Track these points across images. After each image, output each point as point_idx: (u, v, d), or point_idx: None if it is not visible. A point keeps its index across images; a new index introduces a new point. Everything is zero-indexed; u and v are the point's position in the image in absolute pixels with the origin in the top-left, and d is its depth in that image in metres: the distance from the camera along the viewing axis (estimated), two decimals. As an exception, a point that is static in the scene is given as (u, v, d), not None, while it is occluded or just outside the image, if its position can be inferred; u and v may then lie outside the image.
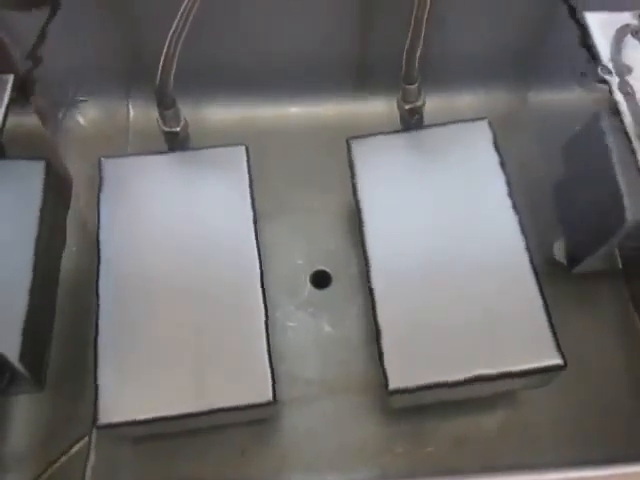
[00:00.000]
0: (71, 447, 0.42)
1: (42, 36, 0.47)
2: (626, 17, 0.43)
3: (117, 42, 0.55)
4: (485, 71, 0.58)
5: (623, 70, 0.41)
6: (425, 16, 0.39)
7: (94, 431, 0.42)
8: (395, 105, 0.47)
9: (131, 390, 0.38)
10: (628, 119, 0.39)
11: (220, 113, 0.59)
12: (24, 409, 0.45)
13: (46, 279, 0.42)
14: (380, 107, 0.57)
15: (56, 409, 0.45)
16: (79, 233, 0.50)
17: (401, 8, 0.40)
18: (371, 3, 0.53)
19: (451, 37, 0.54)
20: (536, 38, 0.56)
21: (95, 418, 0.37)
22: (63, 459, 0.41)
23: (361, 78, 0.59)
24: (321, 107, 0.59)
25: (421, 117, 0.46)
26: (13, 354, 0.37)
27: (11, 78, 0.38)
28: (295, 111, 0.59)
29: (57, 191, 0.44)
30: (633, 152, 0.38)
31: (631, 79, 0.40)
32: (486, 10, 0.53)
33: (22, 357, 0.37)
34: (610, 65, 0.41)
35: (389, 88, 0.46)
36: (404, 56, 0.42)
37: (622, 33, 0.42)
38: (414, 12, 0.39)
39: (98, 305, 0.40)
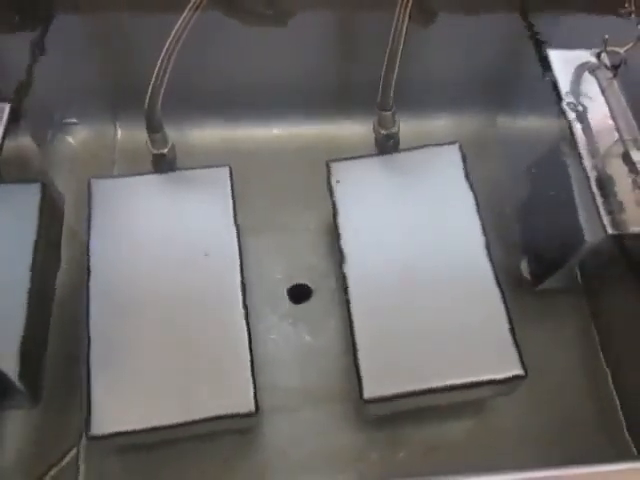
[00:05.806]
0: (60, 459, 0.42)
1: (33, 59, 0.48)
2: (585, 55, 0.46)
3: (106, 65, 0.56)
4: (457, 98, 0.60)
5: (580, 103, 0.44)
6: (400, 49, 0.41)
7: (83, 443, 0.43)
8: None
9: (120, 402, 0.39)
10: (584, 150, 0.42)
11: (205, 135, 0.60)
12: (12, 423, 0.46)
13: (42, 298, 0.43)
14: (359, 130, 0.59)
15: (45, 423, 0.46)
16: (69, 251, 0.50)
17: (379, 38, 0.42)
18: (351, 33, 0.55)
19: (425, 66, 0.57)
20: (505, 68, 0.59)
21: (87, 429, 0.38)
22: (52, 472, 0.42)
23: (341, 102, 0.61)
24: (302, 129, 0.61)
25: (396, 141, 0.49)
26: (12, 372, 0.38)
27: (7, 107, 0.39)
28: (277, 133, 0.61)
29: (52, 212, 0.45)
30: (589, 181, 0.41)
31: (587, 112, 0.43)
32: (458, 42, 0.56)
33: (20, 374, 0.38)
34: (569, 98, 0.44)
35: (368, 112, 0.48)
36: (380, 85, 0.44)
37: (581, 70, 0.45)
38: (389, 45, 0.41)
39: (88, 321, 0.41)
